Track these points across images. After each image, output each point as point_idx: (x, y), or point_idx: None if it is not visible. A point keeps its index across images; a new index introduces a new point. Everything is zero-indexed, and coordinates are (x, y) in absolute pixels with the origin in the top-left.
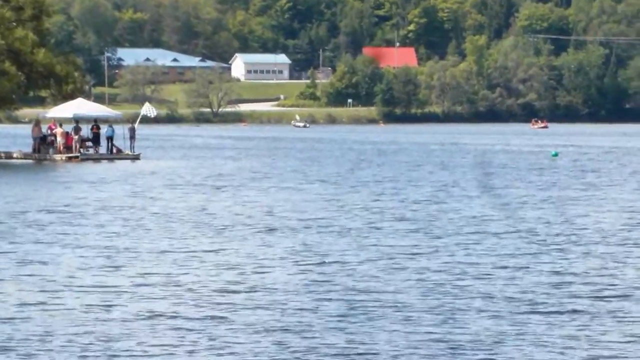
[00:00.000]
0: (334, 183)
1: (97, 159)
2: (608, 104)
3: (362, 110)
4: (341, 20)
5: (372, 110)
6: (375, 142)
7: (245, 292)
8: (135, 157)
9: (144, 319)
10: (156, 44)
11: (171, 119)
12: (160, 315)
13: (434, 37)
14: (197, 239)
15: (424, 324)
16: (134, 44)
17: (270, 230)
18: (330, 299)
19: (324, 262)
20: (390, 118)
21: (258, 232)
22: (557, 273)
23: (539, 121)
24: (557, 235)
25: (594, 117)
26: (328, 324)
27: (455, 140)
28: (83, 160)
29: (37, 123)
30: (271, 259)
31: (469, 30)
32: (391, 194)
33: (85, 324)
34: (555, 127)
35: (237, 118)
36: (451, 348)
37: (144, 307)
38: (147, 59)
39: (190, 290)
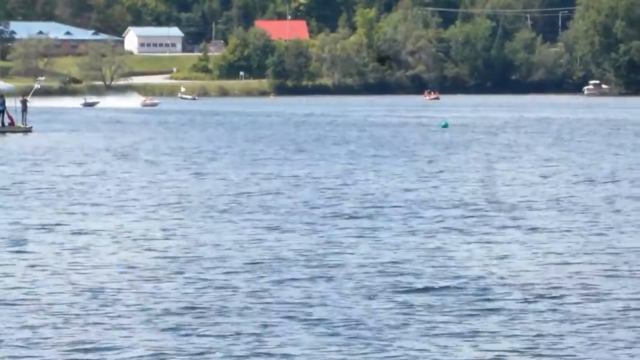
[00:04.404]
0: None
1: None
2: (494, 76)
3: (254, 83)
4: None
5: (264, 83)
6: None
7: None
8: (27, 130)
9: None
10: (49, 17)
11: (64, 91)
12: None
13: (325, 10)
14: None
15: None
16: (26, 17)
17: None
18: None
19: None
20: (281, 90)
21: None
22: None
23: (432, 92)
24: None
25: (480, 88)
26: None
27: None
28: None
29: None
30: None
31: (360, 3)
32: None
33: None
34: (444, 99)
35: (130, 91)
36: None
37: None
38: (40, 32)
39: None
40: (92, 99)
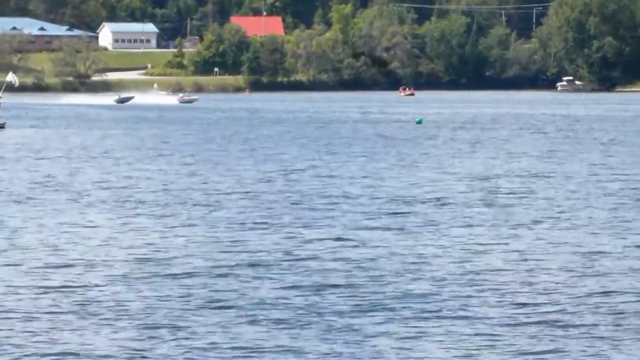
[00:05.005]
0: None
1: None
2: (469, 72)
3: (229, 79)
4: None
5: (239, 79)
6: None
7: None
8: (0, 126)
9: None
10: (23, 12)
11: (38, 87)
12: None
13: (301, 6)
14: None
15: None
16: (0, 13)
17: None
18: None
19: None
20: (257, 86)
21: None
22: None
23: (407, 89)
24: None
25: (455, 84)
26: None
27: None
28: None
29: None
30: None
31: None
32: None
33: None
34: (419, 95)
35: (104, 87)
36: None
37: None
38: (14, 28)
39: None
40: (126, 95)
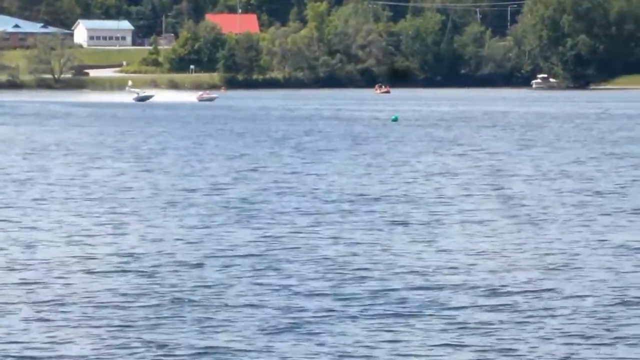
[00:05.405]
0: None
1: None
2: (444, 70)
3: (204, 76)
4: None
5: (215, 76)
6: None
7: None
8: None
9: None
10: None
11: (12, 85)
12: None
13: (276, 4)
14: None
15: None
16: None
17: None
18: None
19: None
20: (232, 84)
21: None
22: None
23: (382, 86)
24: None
25: (430, 82)
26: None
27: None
28: None
29: None
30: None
31: None
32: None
33: None
34: (395, 92)
35: (79, 84)
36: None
37: None
38: None
39: None
40: (145, 92)
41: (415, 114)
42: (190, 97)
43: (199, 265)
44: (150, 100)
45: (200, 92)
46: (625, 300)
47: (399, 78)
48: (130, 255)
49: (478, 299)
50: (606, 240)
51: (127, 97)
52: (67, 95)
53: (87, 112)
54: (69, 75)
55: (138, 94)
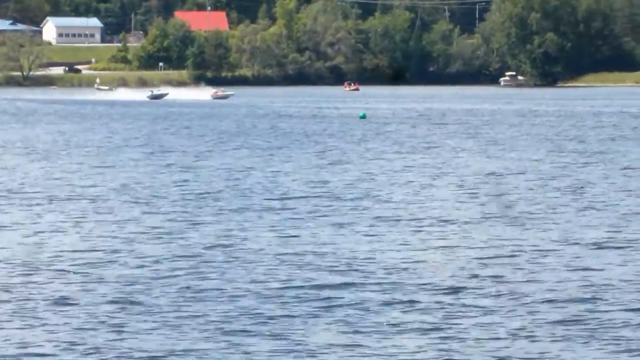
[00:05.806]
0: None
1: None
2: (413, 67)
3: (173, 74)
4: None
5: (184, 74)
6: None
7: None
8: None
9: None
10: None
11: None
12: None
13: (245, 1)
14: None
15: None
16: None
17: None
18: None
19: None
20: (201, 81)
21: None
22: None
23: (352, 84)
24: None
25: (399, 79)
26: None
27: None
28: None
29: None
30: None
31: None
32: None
33: None
34: (364, 89)
35: (48, 82)
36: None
37: None
38: None
39: None
40: (159, 90)
41: (384, 111)
42: (204, 94)
43: (157, 262)
44: (165, 98)
45: (214, 90)
46: (592, 297)
47: (367, 75)
48: (75, 255)
49: (441, 297)
50: (570, 237)
51: (142, 94)
52: (41, 92)
53: (67, 111)
54: (38, 73)
55: (152, 91)
